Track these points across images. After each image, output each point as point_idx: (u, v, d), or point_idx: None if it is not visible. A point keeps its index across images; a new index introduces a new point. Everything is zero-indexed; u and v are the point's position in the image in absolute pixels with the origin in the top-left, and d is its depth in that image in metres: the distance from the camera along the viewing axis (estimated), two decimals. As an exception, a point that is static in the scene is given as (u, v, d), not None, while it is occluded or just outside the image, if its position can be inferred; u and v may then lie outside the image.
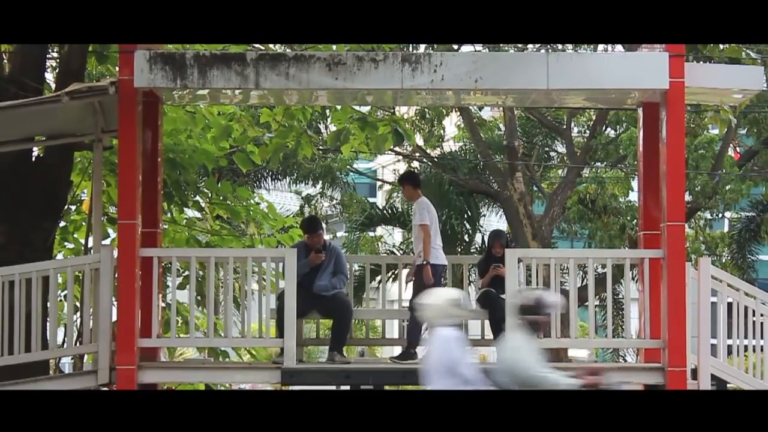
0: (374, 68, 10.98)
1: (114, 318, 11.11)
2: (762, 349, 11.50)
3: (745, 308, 11.48)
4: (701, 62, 15.13)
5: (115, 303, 11.12)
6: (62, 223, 14.20)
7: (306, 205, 32.19)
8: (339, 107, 14.26)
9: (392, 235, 35.44)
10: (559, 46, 22.38)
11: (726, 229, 32.49)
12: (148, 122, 11.58)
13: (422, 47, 21.39)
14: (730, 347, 11.66)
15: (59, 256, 14.50)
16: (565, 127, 28.39)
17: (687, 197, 24.48)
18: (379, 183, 41.54)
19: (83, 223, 14.54)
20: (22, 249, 12.05)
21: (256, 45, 13.16)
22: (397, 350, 12.53)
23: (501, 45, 22.59)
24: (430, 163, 30.08)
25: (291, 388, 11.28)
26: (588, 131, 28.73)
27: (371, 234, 32.35)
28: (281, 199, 34.94)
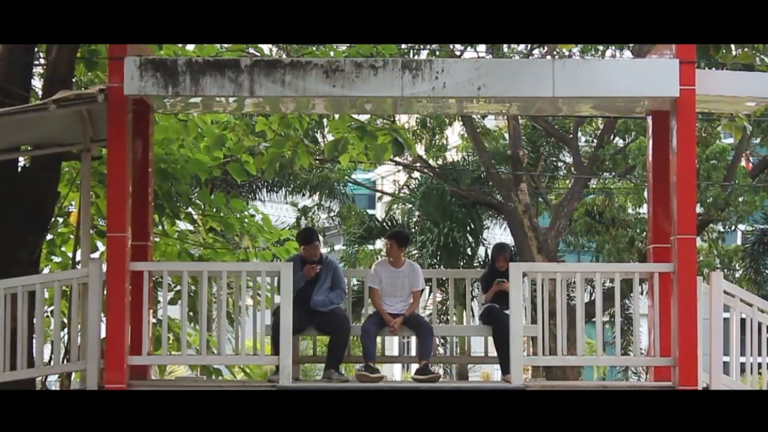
0: (373, 75, 10.76)
1: (103, 335, 10.95)
2: (776, 367, 11.32)
3: (759, 324, 11.27)
4: (713, 69, 14.95)
5: (104, 319, 10.96)
6: (49, 236, 14.04)
7: (302, 217, 32.08)
8: (337, 116, 14.11)
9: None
10: (566, 52, 22.22)
11: (739, 242, 32.31)
12: (139, 131, 11.39)
13: (424, 53, 21.32)
14: (743, 365, 11.46)
15: (46, 270, 14.35)
16: (571, 136, 28.22)
17: (698, 209, 24.27)
18: (378, 194, 41.38)
19: (71, 236, 14.36)
20: (7, 263, 11.89)
21: (253, 46, 13.02)
22: (397, 367, 12.29)
23: (507, 47, 22.47)
24: (431, 174, 29.93)
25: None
26: (595, 140, 28.52)
27: (370, 247, 32.05)
28: (277, 210, 34.88)
